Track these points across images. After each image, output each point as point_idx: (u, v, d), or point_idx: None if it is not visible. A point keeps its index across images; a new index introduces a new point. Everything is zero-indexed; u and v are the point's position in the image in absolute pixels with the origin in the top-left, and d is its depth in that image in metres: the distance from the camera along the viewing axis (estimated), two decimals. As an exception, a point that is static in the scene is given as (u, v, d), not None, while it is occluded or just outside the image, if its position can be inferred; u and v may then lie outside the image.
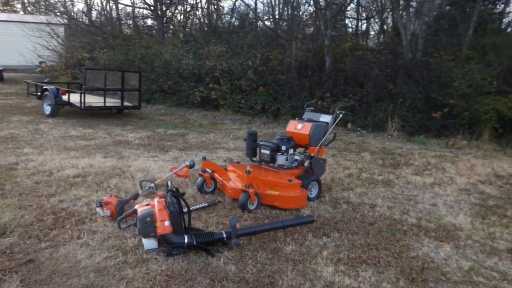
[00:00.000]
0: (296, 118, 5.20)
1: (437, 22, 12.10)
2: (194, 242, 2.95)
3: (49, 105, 9.88)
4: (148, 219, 2.92)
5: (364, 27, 17.83)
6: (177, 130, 9.41)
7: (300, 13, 16.69)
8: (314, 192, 4.59)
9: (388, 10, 14.51)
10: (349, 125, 10.97)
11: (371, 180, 5.74)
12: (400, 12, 12.59)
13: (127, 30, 20.26)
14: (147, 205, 3.05)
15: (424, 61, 10.60)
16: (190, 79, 13.38)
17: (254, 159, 5.07)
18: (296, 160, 4.78)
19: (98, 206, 3.63)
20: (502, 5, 14.78)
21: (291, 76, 12.23)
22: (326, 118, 5.09)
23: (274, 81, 12.09)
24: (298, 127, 4.92)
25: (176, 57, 13.84)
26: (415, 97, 9.79)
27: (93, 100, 10.34)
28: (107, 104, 10.30)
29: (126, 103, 10.83)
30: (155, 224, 2.92)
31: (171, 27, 19.69)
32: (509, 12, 15.78)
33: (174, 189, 3.11)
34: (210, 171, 4.56)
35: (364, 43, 16.00)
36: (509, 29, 14.56)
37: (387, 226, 3.87)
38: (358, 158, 7.22)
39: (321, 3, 13.39)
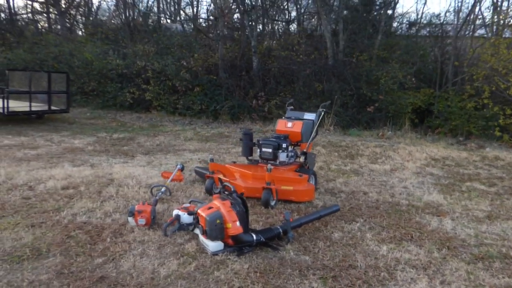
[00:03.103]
0: (283, 117, 5.49)
1: (352, 25, 13.42)
2: (262, 239, 3.06)
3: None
4: (218, 221, 2.94)
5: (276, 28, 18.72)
6: (121, 134, 8.93)
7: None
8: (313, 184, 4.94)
9: (309, 13, 15.57)
10: (286, 122, 11.59)
11: (341, 170, 6.32)
12: (320, 14, 13.66)
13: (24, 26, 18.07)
14: (210, 208, 3.05)
15: (347, 61, 11.74)
16: (116, 80, 12.66)
17: (250, 158, 5.22)
18: (292, 156, 5.07)
19: (130, 216, 3.45)
20: (391, 10, 16.94)
21: (224, 76, 12.41)
22: (310, 115, 5.46)
23: (209, 81, 12.13)
24: (288, 125, 5.21)
25: (98, 56, 12.93)
26: (346, 94, 10.82)
27: (16, 104, 9.20)
28: (33, 109, 9.27)
29: (53, 107, 9.86)
30: (224, 225, 2.96)
31: (80, 23, 18.15)
32: (403, 14, 18.00)
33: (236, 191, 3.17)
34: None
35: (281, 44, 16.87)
36: (398, 32, 16.71)
37: (390, 208, 4.41)
38: (315, 151, 7.79)
39: (247, 5, 13.79)
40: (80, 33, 19.94)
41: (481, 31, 12.56)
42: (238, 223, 2.97)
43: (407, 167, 6.74)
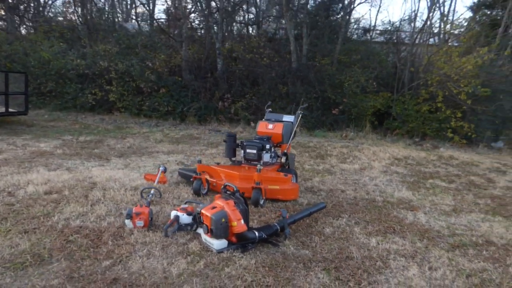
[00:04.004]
0: (263, 119, 5.66)
1: (312, 30, 13.91)
2: (264, 236, 3.21)
3: None
4: (223, 220, 3.06)
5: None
6: (87, 136, 8.68)
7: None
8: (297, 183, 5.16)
9: (270, 17, 15.88)
10: (252, 124, 11.81)
11: (315, 170, 6.61)
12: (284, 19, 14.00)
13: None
14: (214, 207, 3.16)
15: (311, 65, 12.17)
16: (76, 81, 12.22)
17: (233, 159, 5.35)
18: (274, 157, 5.26)
19: (128, 218, 3.47)
20: (347, 16, 17.69)
21: (190, 77, 12.39)
22: (289, 118, 5.69)
23: (174, 83, 12.05)
24: (269, 127, 5.40)
25: (56, 55, 12.39)
26: (311, 97, 11.22)
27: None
28: (-11, 111, 8.77)
29: (10, 109, 9.38)
30: (229, 224, 3.08)
31: (31, 20, 17.21)
32: (357, 20, 18.81)
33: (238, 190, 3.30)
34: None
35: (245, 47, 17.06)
36: (354, 37, 17.47)
37: (368, 204, 4.73)
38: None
39: (212, 7, 13.85)
40: (24, 31, 18.89)
41: (432, 40, 13.52)
42: (243, 221, 3.11)
43: (374, 166, 7.17)
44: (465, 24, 15.02)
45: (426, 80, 10.87)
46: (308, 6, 15.00)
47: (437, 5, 12.85)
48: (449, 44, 11.44)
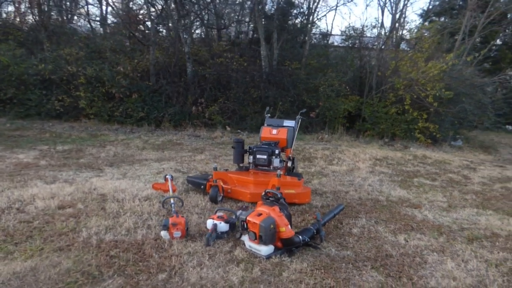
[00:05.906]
0: (266, 124, 5.77)
1: (282, 34, 14.22)
2: (307, 239, 3.32)
3: None
4: (272, 226, 3.13)
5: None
6: (65, 145, 8.28)
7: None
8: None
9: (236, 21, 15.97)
10: (227, 128, 11.85)
11: (309, 173, 6.82)
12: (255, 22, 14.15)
13: None
14: (260, 214, 3.22)
15: (284, 69, 12.44)
16: (40, 87, 11.55)
17: (241, 164, 5.40)
18: (281, 161, 5.39)
19: (164, 230, 3.43)
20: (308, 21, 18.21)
21: (163, 82, 12.16)
22: (289, 123, 5.85)
23: (147, 88, 11.78)
24: (273, 132, 5.53)
25: (15, 60, 11.61)
26: (286, 101, 11.48)
27: None
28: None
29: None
30: (277, 229, 3.16)
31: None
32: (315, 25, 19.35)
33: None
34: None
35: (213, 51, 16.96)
36: (313, 41, 18.02)
37: (375, 204, 4.99)
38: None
39: (180, 11, 13.69)
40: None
41: (392, 47, 14.35)
42: (289, 226, 3.20)
43: (360, 167, 7.52)
44: (416, 31, 16.12)
45: (393, 84, 11.53)
46: (269, 9, 15.29)
47: (397, 15, 13.68)
48: (413, 49, 12.22)
